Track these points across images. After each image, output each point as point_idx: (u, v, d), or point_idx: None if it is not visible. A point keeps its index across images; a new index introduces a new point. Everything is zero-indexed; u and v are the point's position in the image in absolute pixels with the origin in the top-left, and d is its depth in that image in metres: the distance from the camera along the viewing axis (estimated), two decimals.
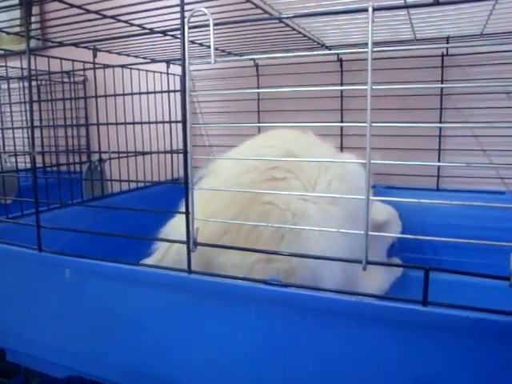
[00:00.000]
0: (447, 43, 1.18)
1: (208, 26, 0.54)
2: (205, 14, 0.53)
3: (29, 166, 1.50)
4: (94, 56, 1.24)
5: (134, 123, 1.38)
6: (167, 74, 1.51)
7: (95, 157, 1.34)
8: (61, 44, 0.91)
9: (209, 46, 1.23)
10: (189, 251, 0.61)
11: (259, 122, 1.50)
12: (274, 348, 0.58)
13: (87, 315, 0.75)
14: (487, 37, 1.05)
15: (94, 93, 1.33)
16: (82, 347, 0.77)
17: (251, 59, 1.41)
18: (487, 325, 0.46)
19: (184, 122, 0.58)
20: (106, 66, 1.10)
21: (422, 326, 0.49)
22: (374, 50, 0.47)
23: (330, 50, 1.26)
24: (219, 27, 0.98)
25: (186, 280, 0.62)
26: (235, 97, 1.51)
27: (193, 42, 1.15)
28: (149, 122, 1.43)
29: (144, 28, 0.98)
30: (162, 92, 1.35)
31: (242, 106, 1.51)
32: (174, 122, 0.73)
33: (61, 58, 1.17)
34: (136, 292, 0.67)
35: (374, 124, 0.48)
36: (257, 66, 1.48)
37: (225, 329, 0.60)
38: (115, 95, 1.26)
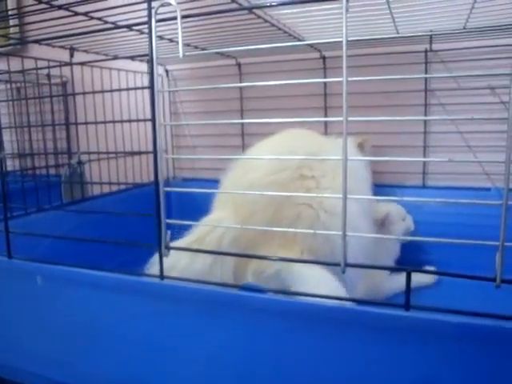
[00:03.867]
0: (430, 38, 1.16)
1: (176, 18, 0.52)
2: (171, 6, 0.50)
3: (8, 169, 1.47)
4: (71, 55, 1.21)
5: (107, 122, 1.34)
6: (148, 73, 1.47)
7: (75, 159, 1.30)
8: (32, 42, 0.87)
9: (187, 45, 1.20)
10: (161, 255, 0.58)
11: (242, 123, 1.47)
12: (251, 353, 0.56)
13: (62, 324, 0.72)
14: (470, 31, 1.04)
15: (72, 93, 1.29)
16: (58, 356, 0.74)
17: (218, 53, 1.38)
18: (471, 329, 0.44)
19: (153, 120, 0.55)
20: (82, 63, 1.06)
21: (404, 331, 0.47)
22: (349, 39, 0.44)
23: (311, 46, 1.24)
24: (197, 24, 0.96)
25: (159, 286, 0.59)
26: (218, 96, 1.49)
27: (171, 41, 1.12)
28: (120, 121, 1.39)
29: (118, 26, 0.95)
30: (135, 89, 1.32)
31: (225, 105, 1.49)
32: (142, 120, 0.71)
33: (35, 58, 1.14)
34: (109, 299, 0.65)
35: (350, 118, 0.45)
36: (239, 64, 1.45)
37: (199, 334, 0.58)
38: (93, 92, 1.23)
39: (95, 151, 1.26)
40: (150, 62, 0.53)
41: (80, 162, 1.30)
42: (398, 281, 1.02)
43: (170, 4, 0.50)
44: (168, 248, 0.57)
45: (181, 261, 0.73)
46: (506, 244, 0.43)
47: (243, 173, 0.88)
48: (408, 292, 0.47)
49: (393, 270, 0.57)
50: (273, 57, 1.38)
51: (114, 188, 1.38)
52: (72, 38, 1.01)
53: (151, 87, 0.54)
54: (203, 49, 1.25)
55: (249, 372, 0.56)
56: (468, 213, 1.13)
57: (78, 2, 0.77)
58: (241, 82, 1.46)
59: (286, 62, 1.37)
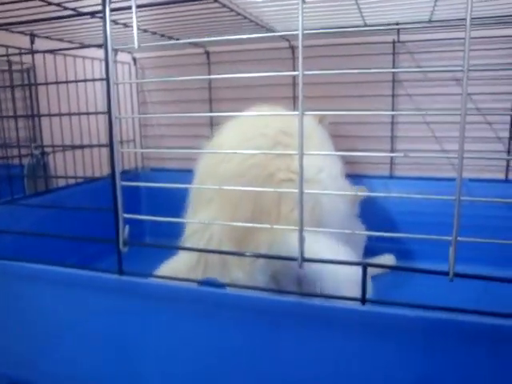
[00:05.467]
0: (397, 30, 1.17)
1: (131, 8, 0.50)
2: None
3: None
4: (32, 42, 1.17)
5: (64, 114, 1.30)
6: (115, 61, 1.44)
7: (38, 150, 1.27)
8: None
9: (154, 33, 1.18)
10: (119, 251, 0.57)
11: (211, 111, 1.46)
12: (207, 348, 0.55)
13: (21, 321, 0.70)
14: (435, 23, 1.04)
15: (35, 84, 1.26)
16: (18, 354, 0.72)
17: (178, 43, 1.36)
18: (426, 323, 0.45)
19: (109, 112, 0.53)
20: (32, 52, 1.02)
21: (361, 325, 0.47)
22: (305, 32, 0.43)
23: (281, 36, 1.23)
24: (161, 12, 0.93)
25: (117, 281, 0.58)
26: (186, 86, 1.47)
27: (141, 29, 1.09)
28: (75, 114, 1.35)
29: (79, 12, 0.92)
30: (91, 80, 1.28)
31: (194, 94, 1.47)
32: (98, 113, 0.69)
33: None
34: (66, 295, 0.63)
35: (306, 113, 0.45)
36: (207, 53, 1.43)
37: (160, 331, 0.57)
38: (56, 83, 1.19)
39: (59, 144, 1.23)
40: (105, 53, 0.52)
41: (43, 153, 1.26)
42: (383, 262, 1.10)
43: None
44: (126, 243, 0.56)
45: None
46: (458, 239, 0.44)
47: (217, 162, 0.87)
48: (364, 286, 0.47)
49: (349, 264, 0.57)
50: (242, 46, 1.37)
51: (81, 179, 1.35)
52: (30, 23, 0.97)
53: (106, 79, 0.52)
54: (170, 37, 1.22)
55: (209, 367, 0.56)
56: (435, 202, 1.15)
57: None
58: (209, 71, 1.44)
59: (255, 51, 1.36)
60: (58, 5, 0.87)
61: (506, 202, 0.46)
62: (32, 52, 1.07)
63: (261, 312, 0.51)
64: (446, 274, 0.44)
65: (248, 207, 0.78)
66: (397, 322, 0.45)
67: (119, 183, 0.54)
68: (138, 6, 0.50)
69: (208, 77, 1.38)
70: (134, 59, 1.53)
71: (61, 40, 1.28)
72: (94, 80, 1.15)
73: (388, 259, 1.15)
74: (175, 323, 0.56)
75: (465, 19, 0.83)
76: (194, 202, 0.90)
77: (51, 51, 1.14)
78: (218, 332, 0.54)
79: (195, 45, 1.38)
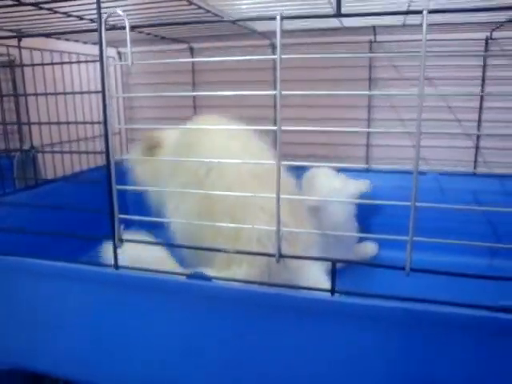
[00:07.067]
0: (374, 32, 1.23)
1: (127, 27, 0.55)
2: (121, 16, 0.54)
3: None
4: (19, 40, 1.19)
5: (49, 123, 1.33)
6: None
7: (27, 144, 1.30)
8: None
9: (141, 31, 1.22)
10: (115, 248, 0.62)
11: (194, 97, 1.52)
12: (197, 339, 0.61)
13: (19, 313, 0.73)
14: (408, 27, 1.11)
15: (22, 79, 1.28)
16: (18, 344, 0.76)
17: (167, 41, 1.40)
18: (393, 312, 0.50)
19: (105, 123, 0.58)
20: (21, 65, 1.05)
21: (330, 315, 0.53)
22: (283, 56, 0.49)
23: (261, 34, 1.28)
24: (150, 12, 0.98)
25: (113, 275, 0.63)
26: (170, 80, 1.51)
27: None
28: (66, 123, 1.39)
29: (70, 15, 0.95)
30: (80, 93, 1.31)
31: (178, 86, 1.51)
32: (95, 122, 0.72)
33: None
34: (64, 288, 0.68)
35: (284, 128, 0.50)
36: (191, 49, 1.47)
37: (152, 322, 0.63)
38: (46, 94, 1.22)
39: (49, 150, 1.27)
40: (101, 71, 0.56)
41: (33, 147, 1.30)
42: (364, 249, 1.21)
43: (118, 14, 0.53)
44: (121, 240, 0.62)
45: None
46: (414, 239, 0.51)
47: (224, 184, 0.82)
48: (334, 278, 0.54)
49: (320, 260, 0.63)
50: (224, 43, 1.41)
51: (69, 170, 1.39)
52: (19, 23, 1.01)
53: (102, 91, 0.57)
54: (156, 36, 1.26)
55: (199, 357, 0.61)
56: (408, 193, 1.22)
57: None
58: (193, 66, 1.49)
59: (237, 48, 1.40)
60: (49, 9, 0.90)
61: (458, 208, 0.53)
62: (19, 50, 1.09)
63: (240, 302, 0.57)
64: (402, 269, 0.51)
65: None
66: (362, 310, 0.52)
67: (115, 188, 0.60)
68: (132, 27, 0.54)
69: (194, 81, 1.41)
70: (119, 53, 1.57)
71: (47, 36, 1.30)
72: (89, 92, 1.18)
73: (369, 246, 1.23)
74: (168, 314, 0.61)
75: (437, 24, 0.89)
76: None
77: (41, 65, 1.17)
78: (205, 321, 0.60)
79: (180, 41, 1.41)
